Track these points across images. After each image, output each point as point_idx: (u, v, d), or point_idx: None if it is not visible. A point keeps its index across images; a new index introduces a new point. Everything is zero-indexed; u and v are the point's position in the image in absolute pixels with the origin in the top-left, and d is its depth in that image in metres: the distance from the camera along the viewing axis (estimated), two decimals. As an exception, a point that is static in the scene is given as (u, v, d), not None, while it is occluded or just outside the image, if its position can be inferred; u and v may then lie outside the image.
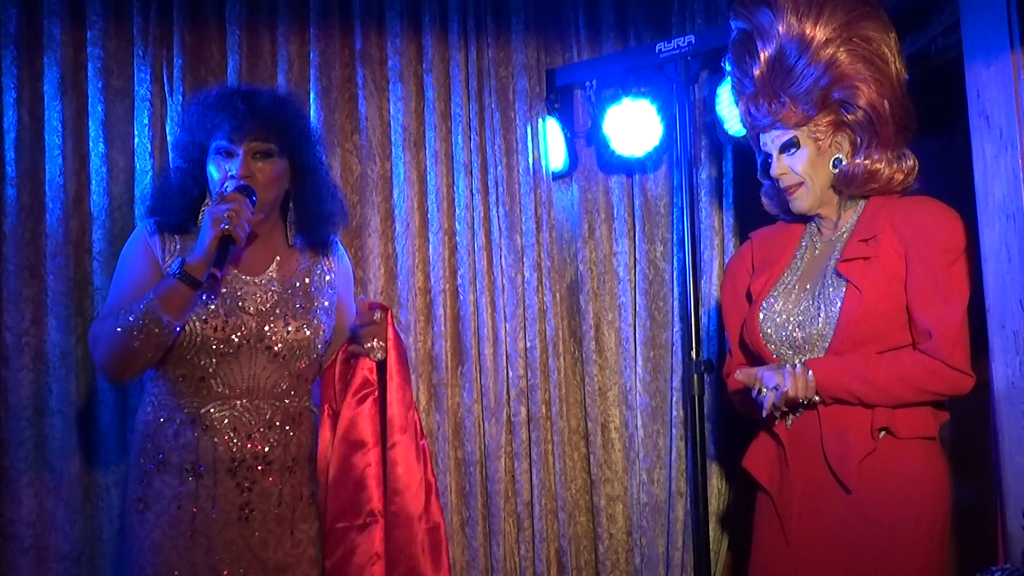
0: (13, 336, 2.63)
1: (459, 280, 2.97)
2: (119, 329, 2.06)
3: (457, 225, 2.97)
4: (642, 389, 3.05)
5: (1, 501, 2.61)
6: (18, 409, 2.62)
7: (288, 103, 2.31)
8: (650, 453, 3.03)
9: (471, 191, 2.99)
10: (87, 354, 2.58)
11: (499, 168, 3.00)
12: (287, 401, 2.23)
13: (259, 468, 2.18)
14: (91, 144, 2.71)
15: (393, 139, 2.95)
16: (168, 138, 2.72)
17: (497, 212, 3.00)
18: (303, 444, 2.26)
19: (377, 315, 2.23)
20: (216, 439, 2.16)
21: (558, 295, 3.06)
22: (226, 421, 2.17)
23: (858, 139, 2.28)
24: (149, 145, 2.72)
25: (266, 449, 2.18)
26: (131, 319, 2.05)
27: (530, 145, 3.03)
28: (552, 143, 3.08)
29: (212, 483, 2.14)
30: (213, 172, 2.21)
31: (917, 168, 2.30)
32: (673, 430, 3.00)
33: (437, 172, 2.96)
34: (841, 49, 2.24)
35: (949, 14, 2.34)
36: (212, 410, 2.17)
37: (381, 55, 2.96)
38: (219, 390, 2.17)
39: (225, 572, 2.13)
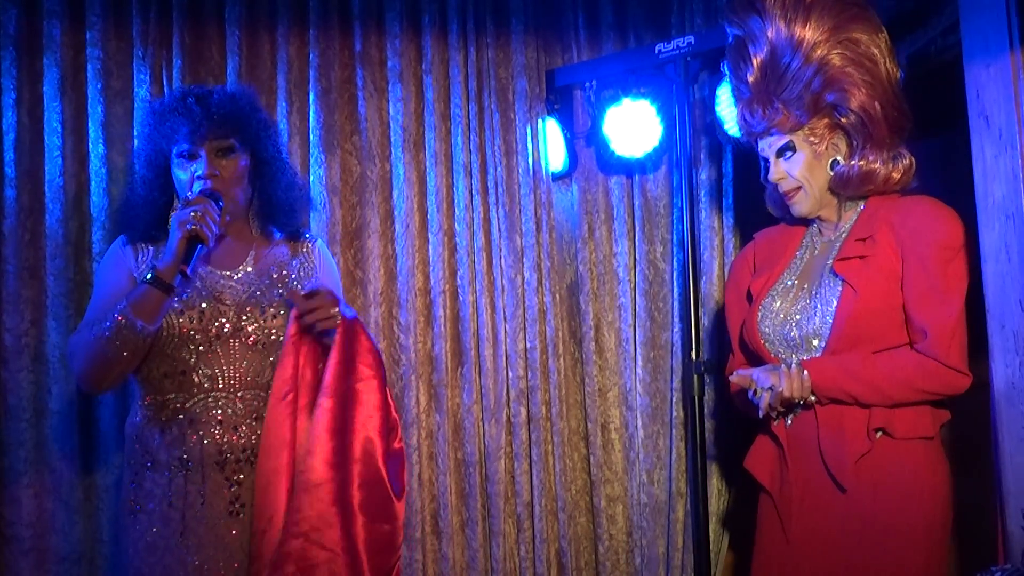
0: (13, 337, 2.63)
1: (459, 281, 2.96)
2: (94, 337, 2.08)
3: (457, 226, 2.97)
4: (642, 390, 3.04)
5: (1, 503, 2.60)
6: (18, 410, 2.62)
7: (242, 97, 2.32)
8: (650, 454, 3.02)
9: (471, 192, 2.99)
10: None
11: (499, 169, 3.00)
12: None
13: (248, 461, 2.17)
14: (91, 145, 2.71)
15: (393, 140, 2.95)
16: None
17: (497, 213, 3.00)
18: None
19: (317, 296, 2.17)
20: (202, 432, 2.15)
21: (558, 296, 3.06)
22: (211, 414, 2.16)
23: (853, 141, 2.28)
24: (149, 146, 2.72)
25: (253, 441, 2.17)
26: (106, 325, 2.07)
27: (530, 146, 3.02)
28: (552, 144, 3.07)
29: (200, 478, 2.14)
30: (180, 175, 2.23)
31: (914, 166, 2.30)
32: (673, 431, 3.00)
33: (437, 173, 2.95)
34: (831, 53, 2.24)
35: (949, 14, 2.34)
36: (197, 404, 2.17)
37: (381, 56, 2.96)
38: (202, 383, 2.17)
39: (218, 571, 2.11)
